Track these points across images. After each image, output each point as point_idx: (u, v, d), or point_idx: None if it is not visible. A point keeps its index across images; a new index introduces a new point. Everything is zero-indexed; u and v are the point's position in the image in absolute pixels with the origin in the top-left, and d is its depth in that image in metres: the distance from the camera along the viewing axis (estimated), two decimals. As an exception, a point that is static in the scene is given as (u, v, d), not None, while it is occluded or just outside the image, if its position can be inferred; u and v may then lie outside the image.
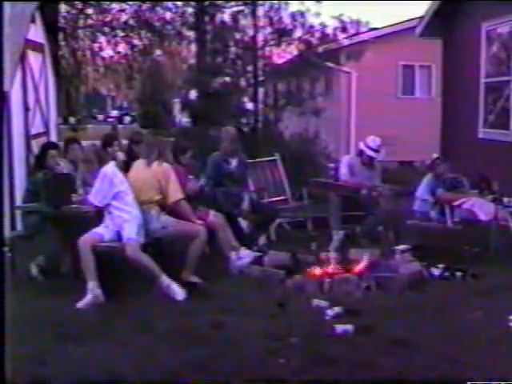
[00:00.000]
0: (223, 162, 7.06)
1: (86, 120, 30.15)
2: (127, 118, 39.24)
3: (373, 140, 7.40)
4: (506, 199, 6.57)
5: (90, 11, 17.30)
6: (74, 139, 7.06)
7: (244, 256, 6.03)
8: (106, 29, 17.61)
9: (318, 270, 5.60)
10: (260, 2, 14.00)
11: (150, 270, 5.24)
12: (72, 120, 25.55)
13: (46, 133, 9.07)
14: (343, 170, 7.46)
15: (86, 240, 5.27)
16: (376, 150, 7.34)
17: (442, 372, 3.64)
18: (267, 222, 7.32)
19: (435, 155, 7.55)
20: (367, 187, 7.18)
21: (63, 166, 6.19)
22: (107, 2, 17.12)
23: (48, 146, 6.57)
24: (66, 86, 18.02)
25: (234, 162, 7.11)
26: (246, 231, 7.03)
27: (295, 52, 14.85)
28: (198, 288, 5.39)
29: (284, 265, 5.91)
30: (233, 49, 14.17)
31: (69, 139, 7.15)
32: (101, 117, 42.46)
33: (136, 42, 17.97)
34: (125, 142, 8.33)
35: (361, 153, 7.47)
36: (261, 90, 16.15)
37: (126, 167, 6.46)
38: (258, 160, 8.60)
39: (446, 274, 5.71)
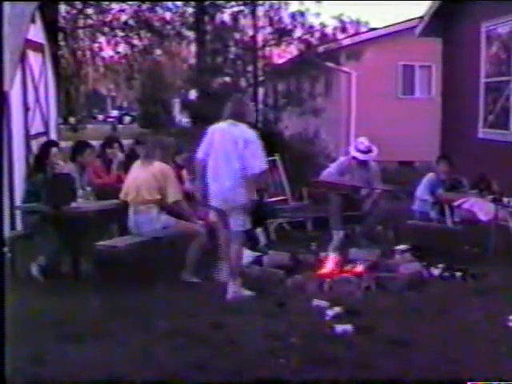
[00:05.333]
0: None
1: (85, 120, 30.22)
2: (127, 118, 39.26)
3: (361, 142, 7.34)
4: (505, 199, 6.56)
5: (89, 11, 17.32)
6: (86, 143, 6.78)
7: (244, 256, 6.03)
8: (106, 29, 17.63)
9: (318, 270, 5.61)
10: (260, 2, 14.01)
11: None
12: (72, 120, 25.58)
13: (46, 133, 9.06)
14: (332, 170, 7.45)
15: None
16: (365, 152, 7.28)
17: (442, 372, 3.64)
18: (267, 221, 7.31)
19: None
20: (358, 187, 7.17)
21: (64, 166, 6.19)
22: (107, 2, 17.14)
23: (50, 144, 6.56)
24: (66, 85, 18.04)
25: None
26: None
27: (295, 52, 14.88)
28: (198, 288, 5.39)
29: (284, 265, 5.91)
30: (233, 49, 14.18)
31: (80, 143, 6.85)
32: (101, 117, 42.49)
33: (136, 42, 18.00)
34: (124, 141, 8.35)
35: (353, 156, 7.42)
36: (261, 90, 16.17)
37: (125, 167, 6.49)
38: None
39: (446, 274, 5.70)
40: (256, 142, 5.22)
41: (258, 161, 5.18)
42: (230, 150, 5.19)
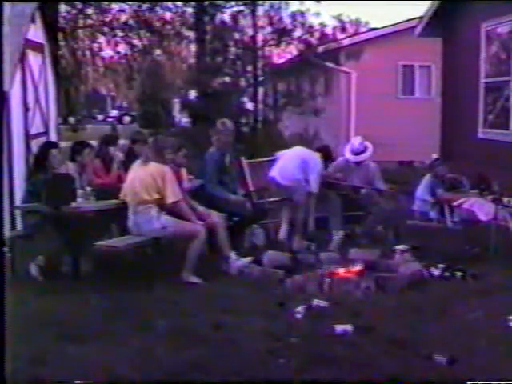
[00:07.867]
0: (221, 156, 6.78)
1: (85, 120, 30.20)
2: (127, 118, 39.22)
3: (353, 143, 7.34)
4: (505, 199, 6.56)
5: (89, 11, 17.32)
6: (85, 143, 6.71)
7: None
8: (106, 29, 17.64)
9: (317, 270, 5.61)
10: (260, 2, 14.04)
11: None
12: (72, 120, 25.57)
13: (46, 133, 9.06)
14: (330, 170, 7.45)
15: None
16: (357, 153, 7.26)
17: (442, 372, 3.64)
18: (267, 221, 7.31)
19: (435, 156, 7.53)
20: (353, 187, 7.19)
21: (64, 167, 6.18)
22: (107, 2, 17.15)
23: (48, 145, 6.55)
24: (66, 85, 18.02)
25: (227, 157, 6.89)
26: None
27: (295, 52, 14.90)
28: (198, 288, 5.39)
29: (283, 265, 5.91)
30: (233, 49, 14.20)
31: (80, 143, 6.77)
32: (101, 117, 42.45)
33: (136, 42, 18.00)
34: (123, 142, 8.34)
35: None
36: (261, 90, 16.18)
37: (125, 167, 6.49)
38: (258, 160, 8.58)
39: (446, 274, 5.70)
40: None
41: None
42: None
